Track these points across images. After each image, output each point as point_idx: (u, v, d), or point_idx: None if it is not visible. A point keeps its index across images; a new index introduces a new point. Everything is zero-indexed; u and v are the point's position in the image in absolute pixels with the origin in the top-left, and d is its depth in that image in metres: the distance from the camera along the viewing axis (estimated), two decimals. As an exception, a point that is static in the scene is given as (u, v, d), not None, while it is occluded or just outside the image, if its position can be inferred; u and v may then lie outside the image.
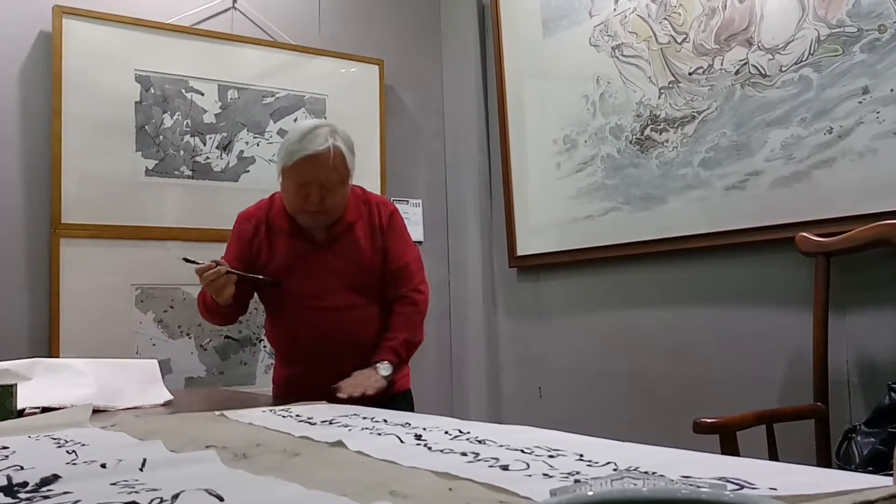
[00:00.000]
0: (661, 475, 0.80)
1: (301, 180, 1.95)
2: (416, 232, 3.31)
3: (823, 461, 1.84)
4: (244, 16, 2.97)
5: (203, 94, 2.83)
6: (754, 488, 0.76)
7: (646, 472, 0.84)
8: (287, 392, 2.08)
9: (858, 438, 1.72)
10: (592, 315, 2.77)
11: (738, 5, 2.23)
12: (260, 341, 2.87)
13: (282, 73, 3.00)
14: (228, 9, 2.95)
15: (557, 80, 2.83)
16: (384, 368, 1.95)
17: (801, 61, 2.08)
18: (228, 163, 2.86)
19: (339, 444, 1.04)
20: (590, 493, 0.43)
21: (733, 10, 2.25)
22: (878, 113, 1.92)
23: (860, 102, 1.96)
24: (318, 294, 2.02)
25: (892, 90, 1.89)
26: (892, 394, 1.75)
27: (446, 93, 3.44)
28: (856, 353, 2.01)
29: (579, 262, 2.78)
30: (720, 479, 0.80)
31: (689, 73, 2.36)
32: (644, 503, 0.43)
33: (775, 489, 0.78)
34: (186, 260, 1.96)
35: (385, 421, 1.30)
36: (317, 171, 1.93)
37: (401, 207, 3.25)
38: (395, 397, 2.04)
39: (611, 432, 1.11)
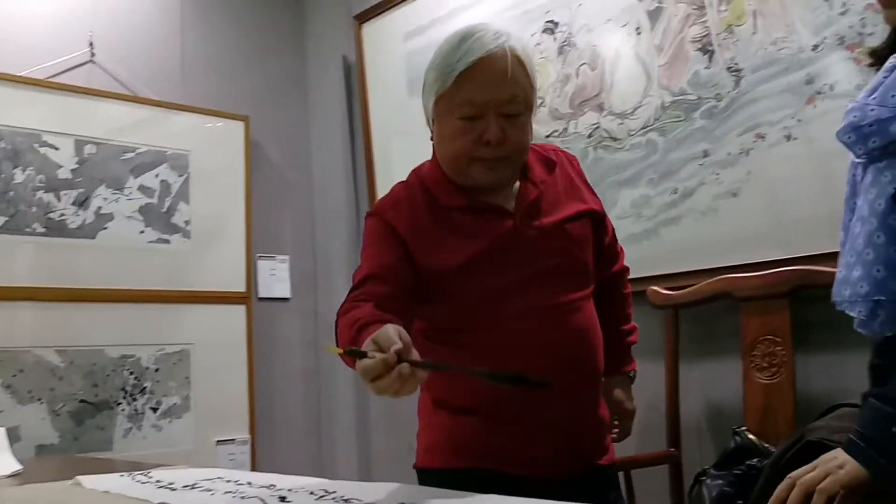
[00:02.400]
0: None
1: (470, 108, 1.33)
2: (282, 289, 3.27)
3: (677, 504, 1.94)
4: (103, 69, 2.89)
5: (58, 149, 2.72)
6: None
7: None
8: (492, 457, 1.38)
9: (708, 481, 1.81)
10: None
11: (590, 73, 2.37)
12: (118, 404, 2.73)
13: (143, 127, 2.92)
14: (86, 62, 2.86)
15: (424, 138, 2.89)
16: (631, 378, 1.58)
17: (648, 126, 2.23)
18: (85, 220, 2.75)
19: (201, 510, 1.02)
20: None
21: (585, 78, 2.39)
22: (717, 175, 2.08)
23: (701, 165, 2.11)
24: (535, 288, 1.36)
25: (728, 154, 2.06)
26: (737, 438, 1.86)
27: (314, 148, 3.45)
28: (704, 400, 2.13)
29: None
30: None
31: (546, 136, 2.48)
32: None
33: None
34: (347, 353, 1.14)
35: (249, 484, 1.27)
36: (493, 87, 1.32)
37: (267, 264, 3.24)
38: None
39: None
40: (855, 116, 1.08)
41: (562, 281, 1.39)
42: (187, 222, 2.97)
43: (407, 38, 2.97)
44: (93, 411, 2.70)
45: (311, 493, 1.12)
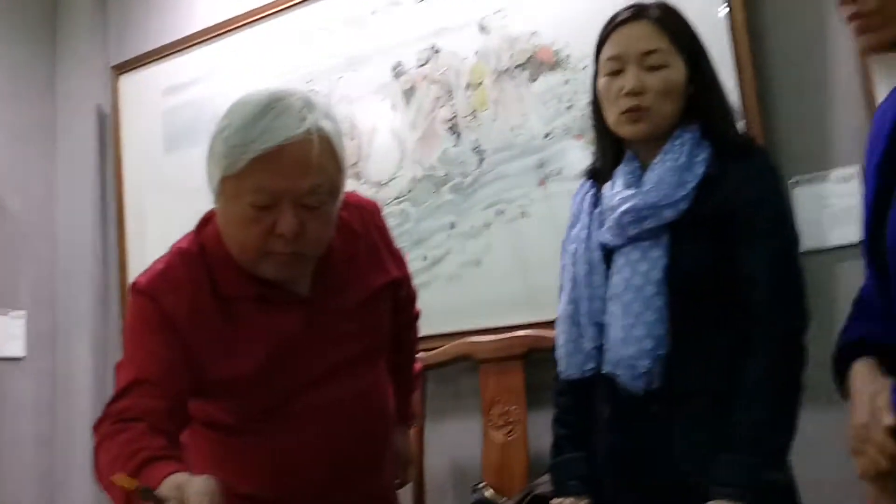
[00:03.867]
0: None
1: (263, 196, 1.15)
2: (15, 347, 3.01)
3: (422, 560, 2.01)
4: None
5: None
6: None
7: None
8: None
9: (449, 536, 1.91)
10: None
11: (349, 142, 2.47)
12: None
13: None
14: None
15: (179, 194, 2.83)
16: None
17: (402, 196, 2.35)
18: None
19: None
20: None
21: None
22: (462, 245, 2.24)
23: (448, 235, 2.26)
24: (323, 381, 1.28)
25: (472, 226, 2.23)
26: (476, 494, 1.99)
27: (60, 198, 3.23)
28: (449, 458, 2.24)
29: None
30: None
31: (306, 200, 2.53)
32: None
33: None
34: (143, 493, 0.98)
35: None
36: (293, 177, 1.15)
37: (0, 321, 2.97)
38: None
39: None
40: (638, 201, 1.30)
41: (358, 367, 1.33)
42: None
43: (166, 93, 2.91)
44: None
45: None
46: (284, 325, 1.26)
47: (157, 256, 2.86)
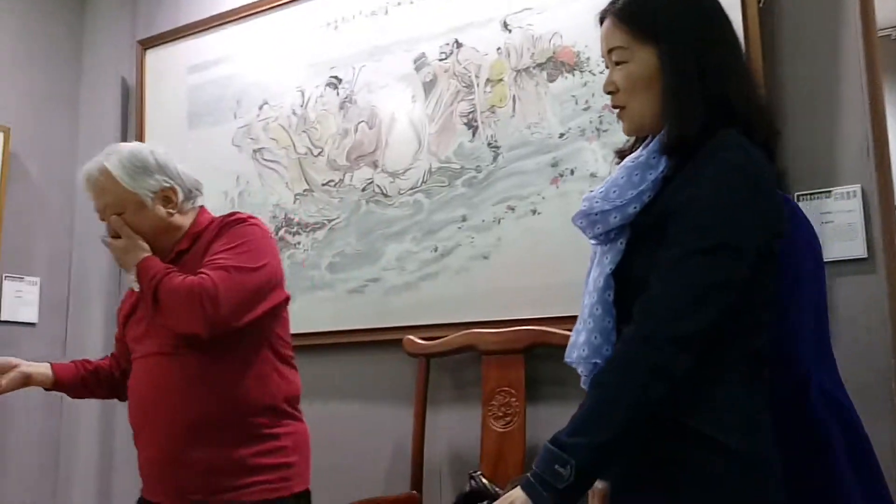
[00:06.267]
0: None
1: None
2: (30, 313, 3.07)
3: (416, 543, 2.06)
4: None
5: None
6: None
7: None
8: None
9: (443, 522, 1.96)
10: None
11: (368, 131, 2.51)
12: None
13: None
14: None
15: (200, 171, 2.84)
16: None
17: (416, 187, 2.39)
18: None
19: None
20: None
21: (363, 134, 2.52)
22: (472, 238, 2.28)
23: (459, 228, 2.30)
24: (138, 340, 1.80)
25: (483, 220, 2.26)
26: (472, 481, 2.02)
27: (80, 167, 3.28)
28: (447, 445, 2.29)
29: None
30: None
31: (323, 184, 2.58)
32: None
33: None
34: None
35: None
36: (94, 199, 1.81)
37: (14, 286, 3.03)
38: None
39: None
40: (585, 206, 1.27)
41: (162, 337, 1.71)
42: None
43: (191, 70, 2.96)
44: None
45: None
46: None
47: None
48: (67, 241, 3.24)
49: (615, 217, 1.22)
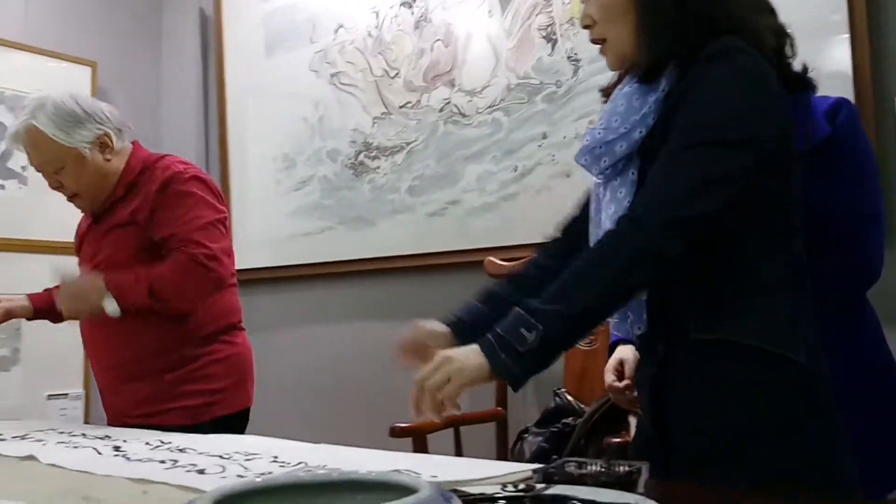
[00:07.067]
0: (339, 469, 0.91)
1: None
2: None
3: (501, 459, 2.09)
4: (-67, -1, 2.70)
5: None
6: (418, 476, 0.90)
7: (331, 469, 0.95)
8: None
9: (529, 438, 1.98)
10: (304, 329, 2.87)
11: (444, 49, 2.47)
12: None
13: (-23, 65, 2.76)
14: (-87, -11, 2.67)
15: (279, 99, 2.90)
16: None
17: (494, 105, 2.35)
18: None
19: (31, 457, 1.04)
20: (257, 480, 0.52)
21: (439, 53, 2.48)
22: (553, 156, 2.23)
23: (539, 146, 2.26)
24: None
25: (564, 137, 2.21)
26: (557, 398, 2.04)
27: (164, 99, 3.36)
28: (531, 364, 2.29)
29: (294, 277, 2.87)
30: (394, 470, 0.94)
31: (400, 107, 2.56)
32: (302, 486, 0.54)
33: (436, 476, 0.93)
34: None
35: (84, 435, 1.29)
36: (31, 157, 1.77)
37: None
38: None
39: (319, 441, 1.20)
40: (587, 140, 1.19)
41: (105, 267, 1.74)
42: (24, 168, 2.84)
43: (266, -3, 2.95)
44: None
45: (147, 443, 1.17)
46: (83, 227, 1.90)
47: (256, 158, 2.93)
48: (157, 173, 3.33)
49: (621, 146, 1.14)
